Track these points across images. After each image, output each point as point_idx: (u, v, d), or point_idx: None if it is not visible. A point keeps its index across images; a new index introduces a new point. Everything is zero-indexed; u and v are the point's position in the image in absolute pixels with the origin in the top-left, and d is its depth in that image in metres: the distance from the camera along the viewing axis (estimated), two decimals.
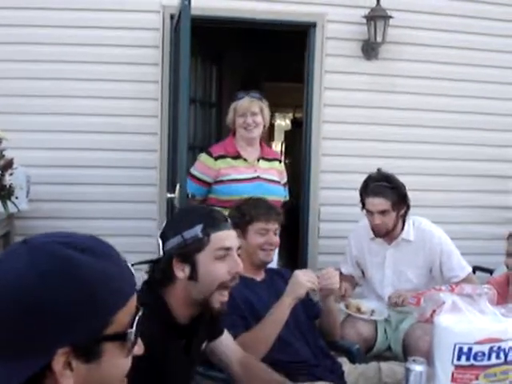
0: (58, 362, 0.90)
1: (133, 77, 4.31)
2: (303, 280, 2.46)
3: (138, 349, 1.04)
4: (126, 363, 1.02)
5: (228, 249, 1.83)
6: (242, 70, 7.20)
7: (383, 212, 3.28)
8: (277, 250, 3.66)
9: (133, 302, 1.01)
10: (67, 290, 0.91)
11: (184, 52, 3.57)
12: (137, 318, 1.01)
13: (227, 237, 1.85)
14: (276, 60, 6.79)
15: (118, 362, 0.99)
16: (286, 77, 6.77)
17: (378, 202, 3.27)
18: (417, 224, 3.42)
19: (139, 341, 1.04)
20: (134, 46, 4.31)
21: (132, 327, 1.00)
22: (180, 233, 1.79)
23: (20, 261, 0.93)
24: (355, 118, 4.59)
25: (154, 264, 1.87)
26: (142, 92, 4.33)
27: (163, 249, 1.81)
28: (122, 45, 4.29)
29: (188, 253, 1.79)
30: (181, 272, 1.80)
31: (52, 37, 4.23)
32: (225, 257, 1.82)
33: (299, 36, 4.69)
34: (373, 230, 3.39)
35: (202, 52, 5.01)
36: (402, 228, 3.40)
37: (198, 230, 1.78)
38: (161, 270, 1.83)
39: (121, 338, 0.98)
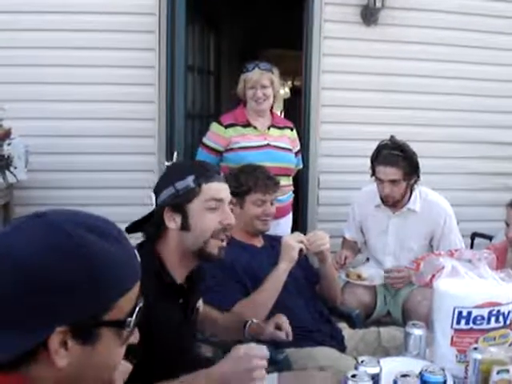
0: (54, 340, 0.91)
1: (129, 45, 4.26)
2: (292, 242, 2.49)
3: (134, 338, 1.05)
4: (120, 351, 1.02)
5: (219, 200, 1.87)
6: (240, 37, 7.14)
7: (394, 181, 3.23)
8: (290, 218, 3.70)
9: (136, 289, 1.01)
10: (74, 269, 0.91)
11: (180, 19, 3.53)
12: (138, 307, 1.01)
13: (219, 188, 1.88)
14: (274, 27, 6.72)
15: (112, 348, 0.99)
16: (284, 44, 6.71)
17: (389, 171, 3.22)
18: (423, 195, 3.40)
19: (136, 330, 1.04)
20: (130, 13, 4.25)
21: (132, 316, 1.00)
22: (172, 184, 1.82)
23: (33, 233, 0.94)
24: (354, 84, 4.55)
25: (147, 219, 1.89)
26: (139, 60, 4.28)
27: (156, 202, 1.85)
28: (118, 12, 4.24)
29: (179, 203, 1.82)
30: (172, 222, 1.83)
31: (48, 5, 4.17)
32: (216, 208, 1.86)
33: (298, 1, 4.63)
34: (381, 198, 3.37)
35: (200, 19, 4.95)
36: (409, 198, 3.38)
37: (189, 180, 1.82)
38: (154, 223, 1.86)
39: (119, 325, 0.98)
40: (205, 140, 3.68)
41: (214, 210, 1.85)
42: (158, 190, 1.87)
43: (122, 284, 0.98)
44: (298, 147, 3.88)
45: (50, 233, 0.94)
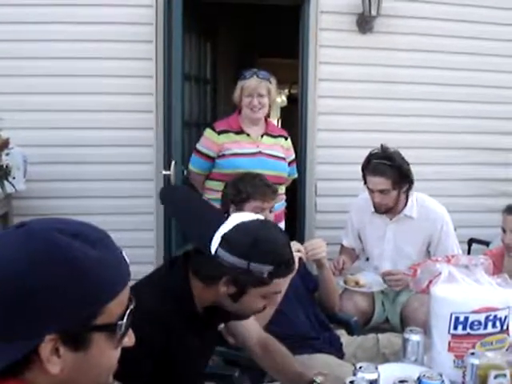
0: (46, 348, 0.91)
1: (127, 54, 4.28)
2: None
3: (129, 340, 1.05)
4: (114, 354, 1.02)
5: (278, 292, 1.84)
6: (236, 46, 7.16)
7: (383, 191, 3.26)
8: (283, 226, 3.71)
9: (125, 292, 1.01)
10: (58, 277, 0.91)
11: (177, 28, 3.54)
12: (128, 310, 1.01)
13: (284, 283, 1.86)
14: (271, 35, 6.75)
15: (106, 352, 0.99)
16: (281, 52, 6.73)
17: (378, 181, 3.25)
18: (420, 201, 3.41)
19: (130, 332, 1.04)
20: (128, 23, 4.27)
21: (123, 319, 1.00)
22: (248, 259, 1.68)
23: (15, 244, 0.93)
24: (351, 92, 4.57)
25: (199, 253, 1.81)
26: (137, 69, 4.29)
27: (217, 251, 1.71)
28: (115, 22, 4.26)
29: (243, 281, 1.72)
30: (224, 288, 1.74)
31: (46, 16, 4.19)
32: (271, 297, 1.83)
33: (294, 10, 4.66)
34: (374, 206, 3.40)
35: (196, 28, 4.97)
36: (405, 204, 3.39)
37: (266, 269, 1.70)
38: (205, 272, 1.77)
39: (110, 329, 0.98)
40: (198, 146, 3.70)
41: (267, 298, 1.81)
42: (229, 245, 1.69)
43: (110, 288, 0.97)
44: (293, 156, 3.88)
45: (33, 242, 0.93)
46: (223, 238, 1.71)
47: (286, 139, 3.82)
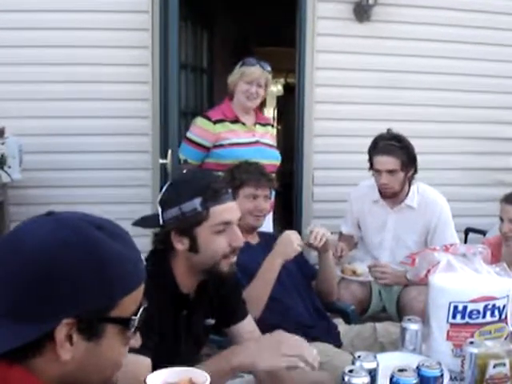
0: (61, 332, 0.93)
1: (123, 43, 4.25)
2: (294, 241, 2.51)
3: (135, 342, 1.07)
4: (122, 351, 1.04)
5: (228, 223, 1.80)
6: (233, 34, 7.13)
7: (391, 171, 3.23)
8: (271, 215, 3.68)
9: (140, 290, 1.03)
10: (84, 263, 0.94)
11: (173, 16, 3.53)
12: (141, 309, 1.03)
13: (227, 210, 1.81)
14: (267, 24, 6.72)
15: (115, 347, 1.01)
16: (277, 41, 6.70)
17: (386, 161, 3.22)
18: (421, 191, 3.41)
19: (138, 335, 1.06)
20: (124, 11, 4.24)
21: (136, 315, 1.02)
22: (178, 205, 1.75)
23: (45, 229, 0.97)
24: (348, 80, 4.56)
25: (156, 233, 1.89)
26: (133, 58, 4.27)
27: (162, 217, 1.79)
28: (110, 10, 4.23)
29: (186, 226, 1.77)
30: (180, 244, 1.79)
31: (41, 3, 4.16)
32: (224, 230, 1.80)
33: None
34: (379, 190, 3.37)
35: (193, 17, 4.94)
36: (407, 193, 3.39)
37: (196, 203, 1.74)
38: (161, 241, 1.84)
39: (124, 322, 1.00)
40: (190, 135, 3.62)
41: (222, 233, 1.80)
42: (163, 205, 1.80)
43: (127, 283, 1.00)
44: (275, 144, 3.89)
45: (61, 228, 0.97)
46: (159, 203, 1.83)
47: (272, 127, 3.87)
